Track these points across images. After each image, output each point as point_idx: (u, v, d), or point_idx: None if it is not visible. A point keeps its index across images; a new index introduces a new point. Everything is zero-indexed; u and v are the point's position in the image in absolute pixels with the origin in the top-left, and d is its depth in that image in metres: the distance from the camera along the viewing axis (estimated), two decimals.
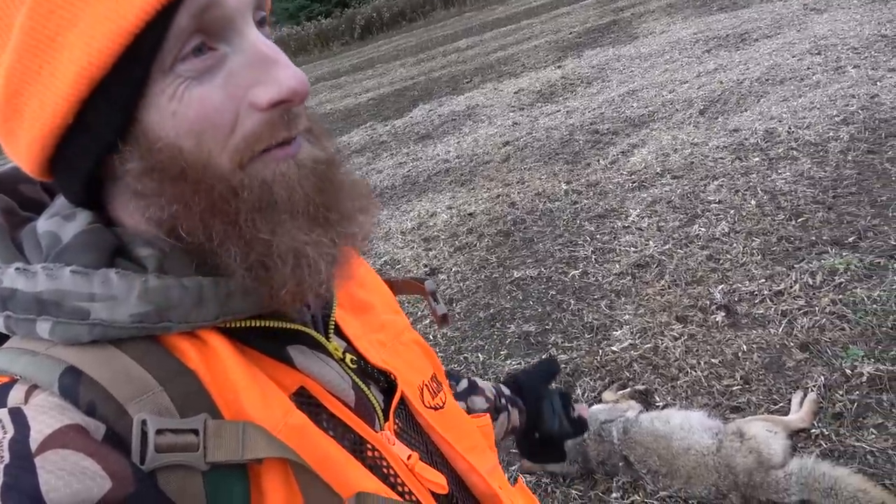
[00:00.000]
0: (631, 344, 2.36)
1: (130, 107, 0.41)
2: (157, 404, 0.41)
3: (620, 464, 1.78)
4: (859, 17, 5.18)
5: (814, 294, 2.29)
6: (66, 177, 0.46)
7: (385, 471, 0.52)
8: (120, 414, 0.40)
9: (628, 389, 2.10)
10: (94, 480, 0.36)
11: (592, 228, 3.30)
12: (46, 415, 0.38)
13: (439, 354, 2.68)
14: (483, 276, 3.20)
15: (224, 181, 0.43)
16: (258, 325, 0.49)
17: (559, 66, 7.06)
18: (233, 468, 0.42)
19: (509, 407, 0.96)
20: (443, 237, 3.77)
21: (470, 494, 0.63)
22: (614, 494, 1.79)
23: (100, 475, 0.37)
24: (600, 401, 2.09)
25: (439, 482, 0.57)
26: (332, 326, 0.56)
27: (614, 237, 3.15)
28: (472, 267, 3.33)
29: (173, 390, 0.42)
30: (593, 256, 3.04)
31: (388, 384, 0.60)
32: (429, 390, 0.63)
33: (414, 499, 0.53)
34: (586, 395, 2.19)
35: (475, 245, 3.55)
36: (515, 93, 6.53)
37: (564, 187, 3.88)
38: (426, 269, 3.44)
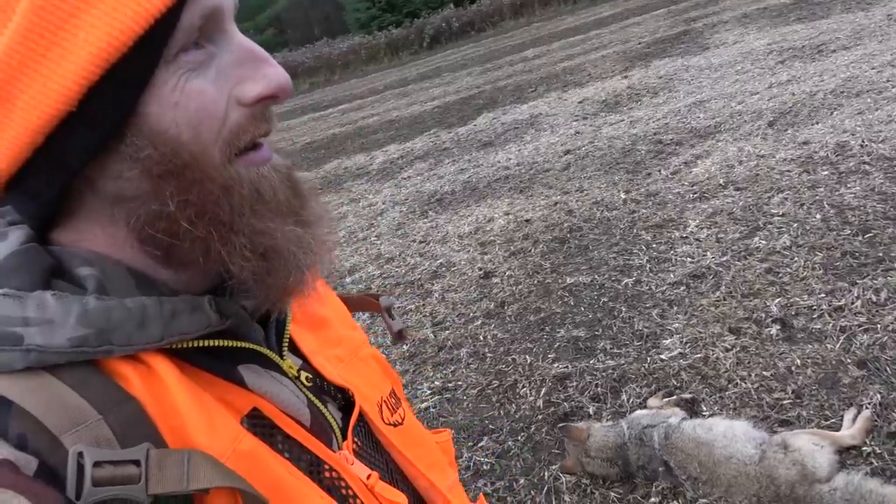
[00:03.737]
0: (680, 353, 2.34)
1: (137, 95, 0.41)
2: (95, 435, 0.39)
3: (660, 469, 1.78)
4: None
5: (877, 311, 2.21)
6: (43, 180, 0.43)
7: (344, 492, 0.51)
8: (54, 447, 0.38)
9: (674, 397, 2.09)
10: None
11: (649, 238, 3.28)
12: None
13: (487, 355, 2.73)
14: (536, 281, 3.23)
15: (219, 175, 0.43)
16: (206, 345, 0.47)
17: (625, 76, 7.00)
18: (178, 499, 0.40)
19: None
20: (499, 242, 3.81)
21: None
22: (653, 499, 1.79)
23: None
24: (645, 406, 2.09)
25: (400, 501, 0.55)
26: (287, 343, 0.54)
27: (671, 247, 3.12)
28: (526, 272, 3.36)
29: (113, 419, 0.40)
30: (648, 265, 3.02)
31: (345, 402, 0.58)
32: (388, 406, 0.62)
33: None
34: (632, 401, 2.19)
35: (530, 251, 3.58)
36: (579, 102, 6.51)
37: (623, 196, 3.86)
38: (480, 272, 3.49)
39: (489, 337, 2.87)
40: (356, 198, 5.77)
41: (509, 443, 2.20)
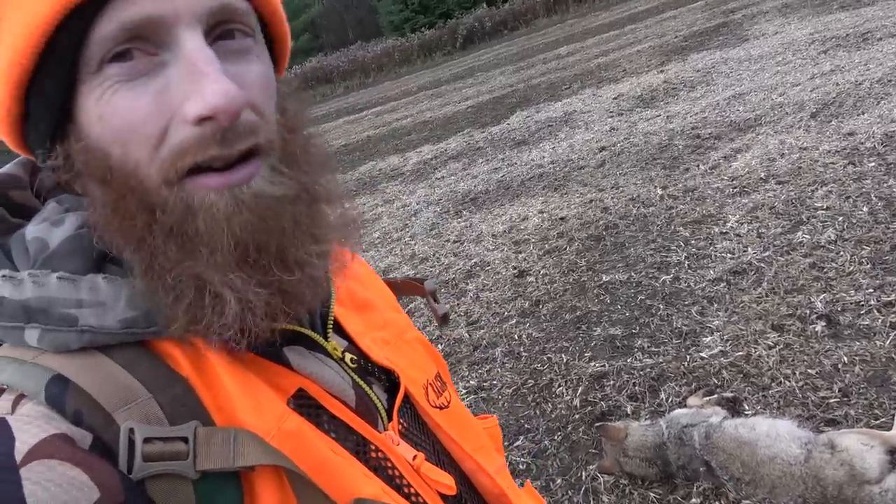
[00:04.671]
0: (721, 351, 2.28)
1: (62, 105, 0.42)
2: (145, 412, 0.41)
3: (702, 469, 1.74)
4: None
5: None
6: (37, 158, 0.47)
7: (389, 472, 0.51)
8: (107, 423, 0.40)
9: (715, 396, 2.04)
10: (81, 491, 0.36)
11: (687, 234, 3.21)
12: (32, 425, 0.38)
13: (522, 354, 2.71)
14: (571, 280, 3.20)
15: (148, 195, 0.42)
16: None
17: (662, 71, 6.88)
18: (225, 476, 0.41)
19: None
20: (533, 240, 3.79)
21: (478, 495, 0.62)
22: (694, 500, 1.75)
23: (87, 485, 0.36)
24: (684, 405, 2.04)
25: (447, 482, 0.55)
26: (331, 325, 0.55)
27: (710, 243, 3.05)
28: (561, 270, 3.33)
29: (163, 397, 0.41)
30: (686, 262, 2.96)
31: (390, 383, 0.58)
32: (433, 389, 0.62)
33: (421, 500, 0.52)
34: (671, 400, 2.15)
35: (565, 249, 3.54)
36: (615, 98, 6.43)
37: (660, 192, 3.80)
38: (515, 270, 3.47)
39: (524, 336, 2.85)
40: (390, 199, 5.80)
41: (545, 442, 2.18)
